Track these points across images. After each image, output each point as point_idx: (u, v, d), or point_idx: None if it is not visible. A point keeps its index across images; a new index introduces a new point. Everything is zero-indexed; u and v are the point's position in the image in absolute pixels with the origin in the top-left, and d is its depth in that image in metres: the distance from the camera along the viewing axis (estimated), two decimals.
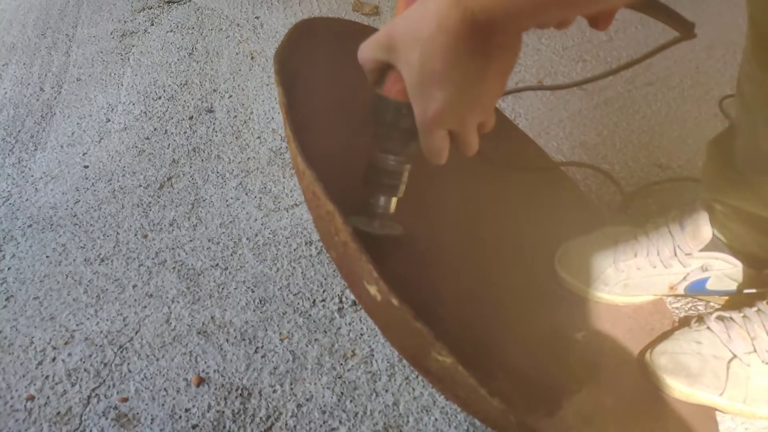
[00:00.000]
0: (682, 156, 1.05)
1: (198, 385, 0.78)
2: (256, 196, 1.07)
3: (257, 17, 1.60)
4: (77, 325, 0.87)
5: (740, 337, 0.69)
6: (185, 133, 1.23)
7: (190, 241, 0.99)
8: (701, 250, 0.76)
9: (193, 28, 1.58)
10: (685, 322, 0.77)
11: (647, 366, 0.71)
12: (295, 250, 0.96)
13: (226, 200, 1.07)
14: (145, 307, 0.89)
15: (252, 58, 1.44)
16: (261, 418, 0.75)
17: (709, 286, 0.77)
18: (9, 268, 0.98)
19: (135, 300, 0.90)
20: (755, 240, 0.73)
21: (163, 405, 0.77)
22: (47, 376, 0.81)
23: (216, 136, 1.21)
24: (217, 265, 0.95)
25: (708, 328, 0.71)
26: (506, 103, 1.20)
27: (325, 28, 0.66)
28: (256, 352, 0.82)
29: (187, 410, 0.76)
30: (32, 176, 1.17)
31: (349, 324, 0.84)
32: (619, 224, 0.84)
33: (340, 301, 0.87)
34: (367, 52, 0.48)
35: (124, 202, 1.08)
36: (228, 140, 1.20)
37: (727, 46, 1.28)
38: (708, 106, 1.15)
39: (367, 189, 0.55)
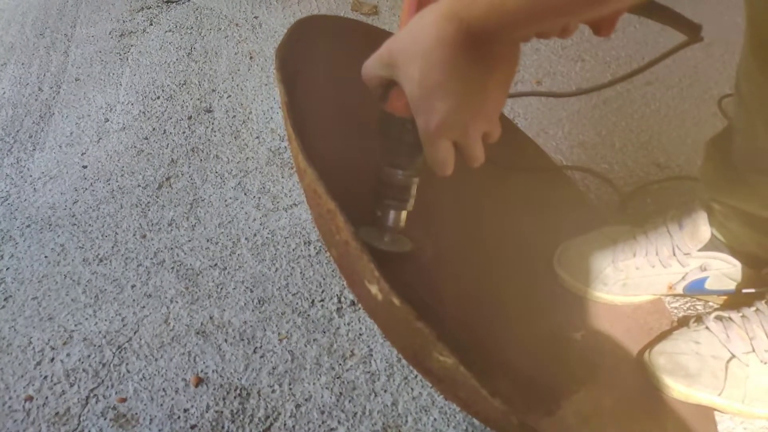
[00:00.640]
0: (680, 155, 1.05)
1: (197, 386, 0.78)
2: (254, 196, 1.06)
3: (256, 17, 1.59)
4: (76, 325, 0.87)
5: (739, 337, 0.69)
6: (184, 133, 1.23)
7: (189, 241, 0.99)
8: (700, 250, 0.76)
9: (192, 27, 1.58)
10: (683, 322, 0.77)
11: (646, 366, 0.71)
12: (293, 250, 0.96)
13: (225, 200, 1.06)
14: (144, 307, 0.89)
15: (251, 57, 1.44)
16: (260, 419, 0.75)
17: (708, 285, 0.77)
18: (7, 269, 0.98)
19: (133, 300, 0.90)
20: (754, 239, 0.73)
21: (161, 405, 0.77)
22: (46, 377, 0.81)
23: (215, 135, 1.21)
24: (216, 265, 0.95)
25: (706, 328, 0.71)
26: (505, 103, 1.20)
27: (326, 26, 0.66)
28: (254, 352, 0.82)
29: (185, 410, 0.76)
30: (31, 176, 1.16)
31: (348, 324, 0.84)
32: (618, 224, 0.84)
33: (339, 301, 0.87)
34: (370, 69, 0.49)
35: (122, 202, 1.08)
36: (227, 140, 1.20)
37: (726, 45, 1.28)
38: (707, 106, 1.15)
39: (376, 203, 0.56)
